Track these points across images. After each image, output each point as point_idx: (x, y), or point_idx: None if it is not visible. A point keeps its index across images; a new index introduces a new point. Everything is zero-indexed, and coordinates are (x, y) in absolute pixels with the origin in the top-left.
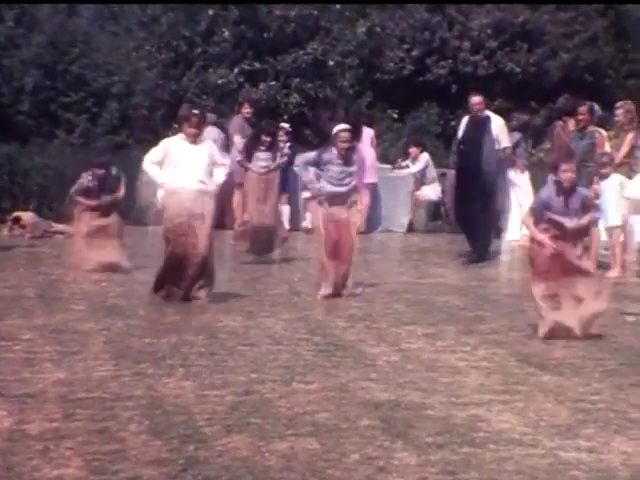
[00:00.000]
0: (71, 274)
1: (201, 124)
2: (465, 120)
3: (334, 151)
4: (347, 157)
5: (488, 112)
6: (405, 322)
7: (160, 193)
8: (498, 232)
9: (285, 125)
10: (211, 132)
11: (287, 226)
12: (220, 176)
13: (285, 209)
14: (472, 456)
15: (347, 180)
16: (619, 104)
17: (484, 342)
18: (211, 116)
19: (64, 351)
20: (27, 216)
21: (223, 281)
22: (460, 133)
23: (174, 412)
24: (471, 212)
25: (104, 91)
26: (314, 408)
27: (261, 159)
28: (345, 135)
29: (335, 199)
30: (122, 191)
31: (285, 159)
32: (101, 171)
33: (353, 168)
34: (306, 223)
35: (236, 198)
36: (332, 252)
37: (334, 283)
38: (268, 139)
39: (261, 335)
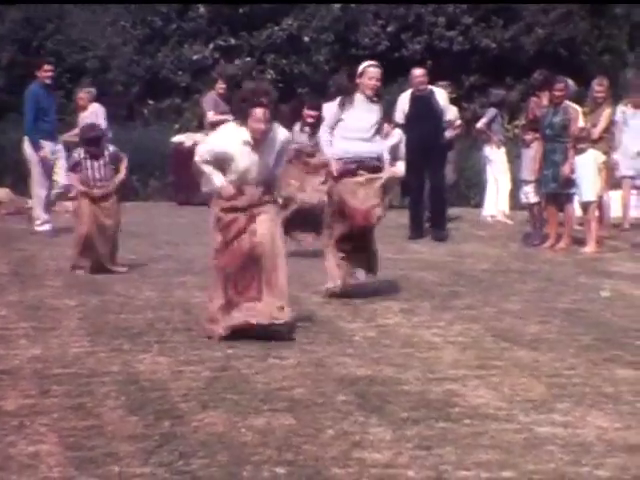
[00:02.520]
0: (46, 250)
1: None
2: (407, 95)
3: (358, 96)
4: (375, 103)
5: (431, 86)
6: (381, 298)
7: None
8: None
9: None
10: (97, 109)
11: None
12: None
13: None
14: (447, 431)
15: (376, 137)
16: (599, 80)
17: (459, 317)
18: (92, 91)
19: (39, 327)
20: (2, 192)
21: (201, 257)
22: (405, 108)
23: (150, 388)
24: (419, 188)
25: (79, 67)
26: (290, 384)
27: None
28: (375, 71)
29: (358, 162)
30: (123, 173)
31: None
32: (91, 148)
33: (380, 121)
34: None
35: None
36: (345, 237)
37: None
38: (313, 114)
39: None
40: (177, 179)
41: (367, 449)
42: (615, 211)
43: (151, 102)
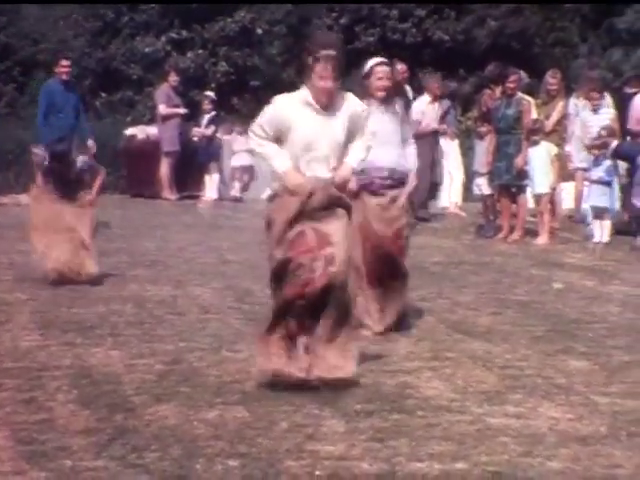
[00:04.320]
0: None
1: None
2: None
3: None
4: (389, 104)
5: None
6: None
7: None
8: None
9: (210, 94)
10: None
11: (215, 195)
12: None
13: (215, 177)
14: (401, 423)
15: (396, 139)
16: (552, 72)
17: (413, 310)
18: None
19: None
20: None
21: (153, 251)
22: None
23: (102, 381)
24: None
25: (31, 60)
26: (243, 377)
27: None
28: (384, 70)
29: (381, 174)
30: (96, 190)
31: (213, 128)
32: (60, 164)
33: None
34: (234, 192)
35: (164, 167)
36: (373, 274)
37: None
38: None
39: (190, 304)
40: (130, 172)
41: (320, 441)
42: (568, 203)
43: (103, 95)
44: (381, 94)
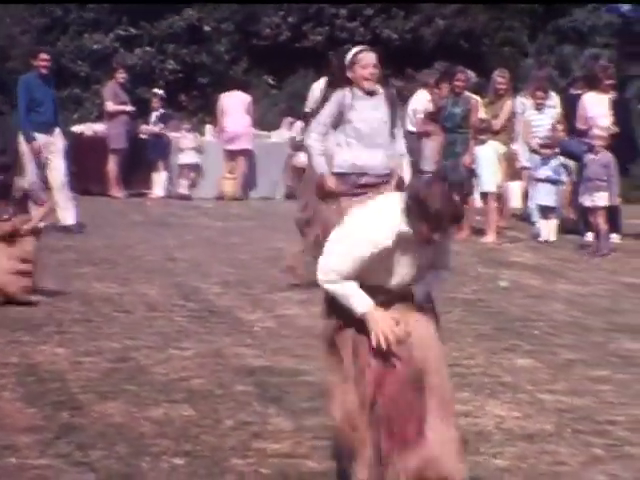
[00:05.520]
0: None
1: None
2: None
3: (355, 92)
4: (374, 93)
5: None
6: (280, 288)
7: None
8: None
9: (159, 91)
10: None
11: (163, 192)
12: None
13: (162, 175)
14: None
15: (384, 135)
16: (500, 71)
17: None
18: None
19: None
20: None
21: (100, 248)
22: None
23: (48, 379)
24: None
25: None
26: (189, 374)
27: None
28: (369, 56)
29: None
30: (37, 220)
31: (162, 126)
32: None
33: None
34: (181, 189)
35: (111, 164)
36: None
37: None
38: None
39: (136, 302)
40: (77, 169)
41: (267, 439)
42: (515, 202)
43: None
44: (368, 83)
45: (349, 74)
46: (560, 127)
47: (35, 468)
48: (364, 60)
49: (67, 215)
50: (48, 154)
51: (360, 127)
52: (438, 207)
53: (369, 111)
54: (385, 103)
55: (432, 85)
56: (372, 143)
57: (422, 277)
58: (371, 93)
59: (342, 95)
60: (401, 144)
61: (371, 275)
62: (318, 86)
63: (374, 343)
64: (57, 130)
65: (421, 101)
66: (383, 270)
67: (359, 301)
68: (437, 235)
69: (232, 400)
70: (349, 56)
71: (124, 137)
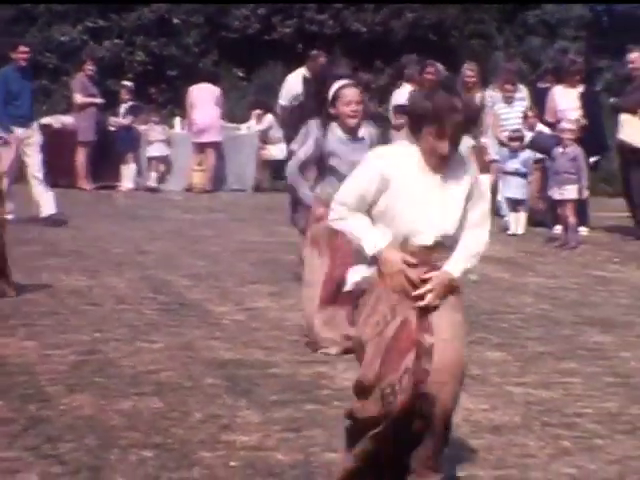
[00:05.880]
0: None
1: None
2: (296, 77)
3: (335, 127)
4: (356, 132)
5: None
6: (250, 281)
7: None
8: None
9: (128, 83)
10: None
11: (132, 185)
12: None
13: (132, 167)
14: (316, 413)
15: None
16: (469, 64)
17: None
18: None
19: None
20: None
21: (68, 240)
22: (298, 90)
23: (16, 372)
24: None
25: None
26: (158, 367)
27: None
28: (352, 92)
29: None
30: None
31: (131, 118)
32: None
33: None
34: (150, 182)
35: (80, 156)
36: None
37: None
38: None
39: (105, 294)
40: (45, 161)
41: (236, 432)
42: None
43: None
44: (352, 121)
45: (331, 110)
46: (531, 114)
47: (3, 460)
48: (347, 97)
49: (47, 206)
50: (25, 148)
51: (343, 171)
52: (435, 103)
53: (351, 156)
54: (365, 142)
55: (416, 79)
56: None
57: (454, 239)
58: (354, 134)
59: (321, 137)
60: None
61: (393, 221)
62: (293, 79)
63: (388, 286)
64: (34, 124)
65: (405, 95)
66: (405, 215)
67: (371, 239)
68: (444, 144)
69: (201, 393)
70: (331, 92)
71: (93, 129)
